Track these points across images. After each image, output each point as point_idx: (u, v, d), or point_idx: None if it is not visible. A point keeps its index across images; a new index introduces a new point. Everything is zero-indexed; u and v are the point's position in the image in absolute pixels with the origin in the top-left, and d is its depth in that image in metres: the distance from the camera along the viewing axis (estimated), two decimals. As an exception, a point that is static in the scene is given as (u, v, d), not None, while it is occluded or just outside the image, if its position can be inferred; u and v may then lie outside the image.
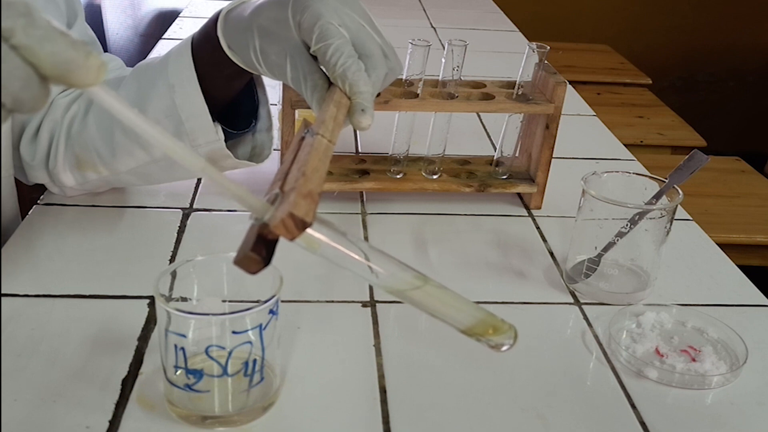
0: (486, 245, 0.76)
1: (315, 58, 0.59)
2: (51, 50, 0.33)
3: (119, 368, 0.55)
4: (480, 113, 1.11)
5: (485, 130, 1.07)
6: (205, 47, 0.65)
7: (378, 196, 0.84)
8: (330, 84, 0.58)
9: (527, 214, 0.83)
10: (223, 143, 0.69)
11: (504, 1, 1.98)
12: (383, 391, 0.55)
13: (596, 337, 0.63)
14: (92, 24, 0.87)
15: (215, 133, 0.68)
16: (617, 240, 0.66)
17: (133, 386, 0.54)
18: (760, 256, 1.54)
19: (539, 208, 0.83)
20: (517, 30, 1.71)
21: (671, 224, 0.66)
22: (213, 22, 0.65)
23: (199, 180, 0.84)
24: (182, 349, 0.48)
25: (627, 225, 0.65)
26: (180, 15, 1.65)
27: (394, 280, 0.44)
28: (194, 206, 0.80)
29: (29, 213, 0.76)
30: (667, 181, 0.67)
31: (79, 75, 0.34)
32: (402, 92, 0.77)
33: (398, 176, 0.82)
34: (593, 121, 1.15)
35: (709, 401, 0.57)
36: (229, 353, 0.48)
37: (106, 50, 1.09)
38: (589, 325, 0.64)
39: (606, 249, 0.67)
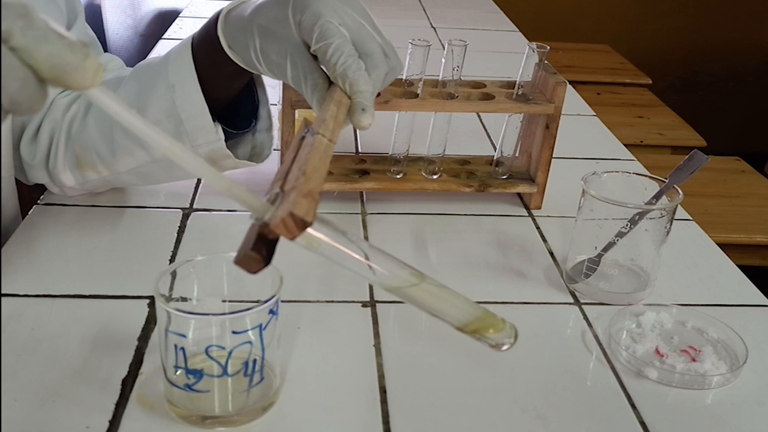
0: (486, 245, 0.76)
1: (315, 57, 0.59)
2: (48, 52, 0.33)
3: (119, 368, 0.55)
4: (480, 113, 1.11)
5: (485, 130, 1.07)
6: (206, 47, 0.65)
7: (378, 196, 0.84)
8: (330, 83, 0.59)
9: (527, 214, 0.83)
10: (223, 143, 0.69)
11: (504, 1, 1.98)
12: (383, 391, 0.55)
13: (596, 337, 0.63)
14: (92, 24, 0.87)
15: (215, 133, 0.68)
16: (617, 240, 0.66)
17: (133, 386, 0.54)
18: (760, 256, 1.54)
19: (539, 208, 0.83)
20: (517, 30, 1.71)
21: (671, 224, 0.66)
22: (213, 21, 0.65)
23: (199, 180, 0.84)
24: (182, 349, 0.48)
25: (627, 225, 0.65)
26: (180, 15, 1.65)
27: (391, 278, 0.44)
28: (194, 206, 0.80)
29: (29, 213, 0.76)
30: (667, 181, 0.67)
31: (76, 77, 0.34)
32: (402, 92, 0.77)
33: (398, 176, 0.82)
34: (593, 121, 1.15)
35: (709, 401, 0.57)
36: (229, 353, 0.48)
37: (106, 50, 1.09)
38: (589, 325, 0.64)
39: (606, 249, 0.67)
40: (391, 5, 1.81)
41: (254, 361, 0.50)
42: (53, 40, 0.33)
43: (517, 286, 0.69)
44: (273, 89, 0.81)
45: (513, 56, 1.27)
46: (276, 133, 0.75)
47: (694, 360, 0.59)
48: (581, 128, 1.11)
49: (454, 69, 0.77)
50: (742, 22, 3.01)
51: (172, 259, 0.70)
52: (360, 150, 0.96)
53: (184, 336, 0.48)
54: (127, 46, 1.84)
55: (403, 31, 1.53)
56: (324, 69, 0.59)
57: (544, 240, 0.78)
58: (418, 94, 0.77)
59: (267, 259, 0.39)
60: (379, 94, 0.67)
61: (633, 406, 0.55)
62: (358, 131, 1.00)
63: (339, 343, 0.60)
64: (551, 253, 0.75)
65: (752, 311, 0.68)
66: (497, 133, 0.85)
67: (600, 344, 0.62)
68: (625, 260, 0.68)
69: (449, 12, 1.80)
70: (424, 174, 0.82)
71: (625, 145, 1.05)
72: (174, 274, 0.52)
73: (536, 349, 0.60)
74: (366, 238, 0.76)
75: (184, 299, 0.53)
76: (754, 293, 0.71)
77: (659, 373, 0.58)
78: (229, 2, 0.65)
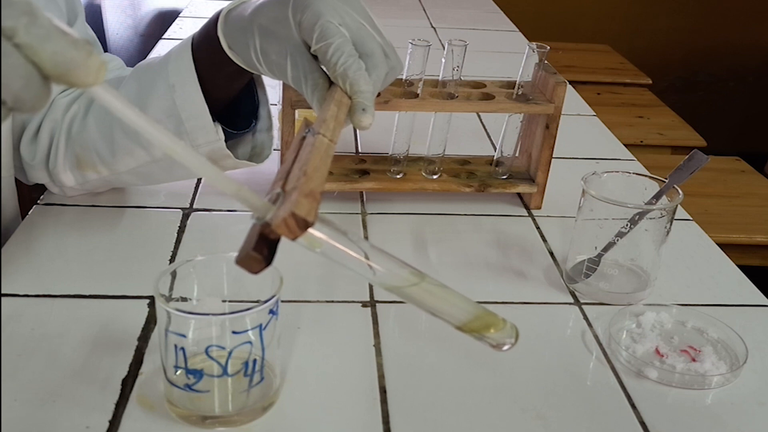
0: (486, 245, 0.76)
1: (315, 57, 0.59)
2: (52, 49, 0.33)
3: (119, 368, 0.55)
4: (480, 113, 1.11)
5: (485, 130, 1.07)
6: (206, 47, 0.65)
7: (378, 196, 0.84)
8: (330, 83, 0.59)
9: (527, 214, 0.83)
10: (224, 143, 0.69)
11: (504, 1, 1.98)
12: (383, 391, 0.55)
13: (596, 337, 0.63)
14: (92, 24, 0.87)
15: (215, 133, 0.68)
16: (617, 240, 0.66)
17: (133, 386, 0.54)
18: (760, 256, 1.54)
19: (539, 208, 0.83)
20: (517, 30, 1.71)
21: (671, 224, 0.66)
22: (213, 21, 0.65)
23: (199, 180, 0.84)
24: (182, 349, 0.48)
25: (627, 225, 0.65)
26: (180, 15, 1.65)
27: (391, 277, 0.44)
28: (194, 206, 0.80)
29: (29, 213, 0.76)
30: (667, 181, 0.67)
31: (79, 74, 0.34)
32: (402, 92, 0.77)
33: (398, 176, 0.82)
34: (593, 121, 1.15)
35: (709, 401, 0.57)
36: (229, 353, 0.48)
37: (106, 50, 1.09)
38: (589, 325, 0.64)
39: (606, 249, 0.67)
40: (391, 5, 1.81)
41: (254, 361, 0.50)
42: (57, 37, 0.33)
43: (517, 286, 0.69)
44: (273, 89, 0.81)
45: (513, 56, 1.27)
46: (276, 133, 0.75)
47: (694, 360, 0.59)
48: (581, 128, 1.11)
49: (454, 69, 0.77)
50: (742, 22, 3.02)
51: (172, 259, 0.70)
52: (360, 150, 0.96)
53: (184, 336, 0.48)
54: (127, 46, 1.84)
55: (403, 31, 1.53)
56: (324, 69, 0.59)
57: (544, 240, 0.78)
58: (418, 94, 0.77)
59: (268, 259, 0.39)
60: (379, 94, 0.67)
61: (633, 406, 0.55)
62: (358, 131, 1.00)
63: (339, 343, 0.60)
64: (551, 253, 0.75)
65: (752, 311, 0.68)
66: (497, 133, 0.85)
67: (600, 344, 0.62)
68: (625, 260, 0.68)
69: (449, 12, 1.80)
70: (424, 174, 0.82)
71: (625, 145, 1.05)
72: (174, 274, 0.52)
73: (536, 349, 0.60)
74: (366, 238, 0.76)
75: (184, 299, 0.53)
76: (754, 293, 0.71)
77: (659, 373, 0.58)
78: (229, 2, 0.65)
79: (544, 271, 0.72)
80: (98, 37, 0.84)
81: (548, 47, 0.78)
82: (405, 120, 0.79)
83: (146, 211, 0.78)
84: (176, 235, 0.74)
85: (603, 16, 2.97)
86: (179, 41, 0.68)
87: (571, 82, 1.04)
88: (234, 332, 0.48)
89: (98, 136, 0.71)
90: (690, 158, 0.68)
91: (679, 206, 0.70)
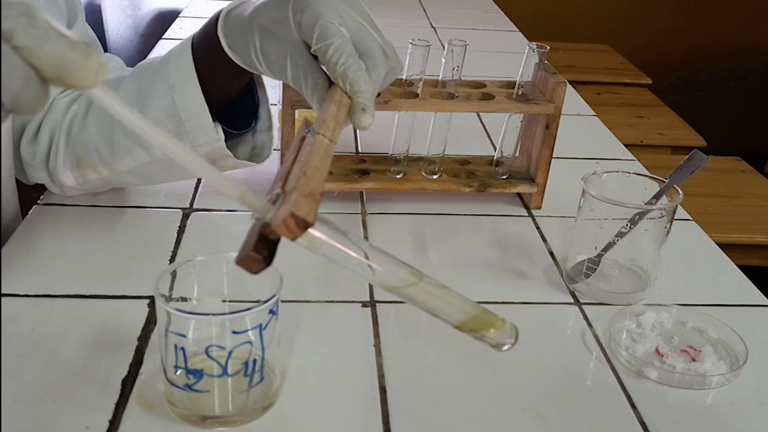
0: (486, 245, 0.76)
1: (315, 57, 0.59)
2: (51, 51, 0.33)
3: (119, 368, 0.55)
4: (480, 113, 1.11)
5: (485, 130, 1.07)
6: (206, 47, 0.65)
7: (378, 196, 0.84)
8: (330, 83, 0.59)
9: (527, 214, 0.83)
10: (224, 143, 0.69)
11: (504, 1, 1.98)
12: (383, 391, 0.55)
13: (596, 337, 0.63)
14: (92, 24, 0.87)
15: (215, 133, 0.68)
16: (617, 240, 0.66)
17: (133, 386, 0.54)
18: (760, 256, 1.54)
19: (539, 208, 0.83)
20: (517, 30, 1.71)
21: (671, 224, 0.66)
22: (213, 21, 0.65)
23: (199, 180, 0.84)
24: (182, 349, 0.48)
25: (627, 225, 0.65)
26: (180, 15, 1.65)
27: (390, 277, 0.44)
28: (194, 206, 0.80)
29: (29, 213, 0.76)
30: (667, 181, 0.67)
31: (77, 76, 0.34)
32: (402, 92, 0.77)
33: (398, 176, 0.82)
34: (593, 121, 1.15)
35: (709, 401, 0.57)
36: (229, 353, 0.48)
37: (106, 50, 1.09)
38: (589, 325, 0.64)
39: (606, 249, 0.67)
40: (391, 5, 1.81)
41: (254, 361, 0.50)
42: (55, 39, 0.33)
43: (517, 286, 0.69)
44: (273, 89, 0.81)
45: (513, 56, 1.27)
46: (276, 133, 0.75)
47: (694, 360, 0.59)
48: (581, 128, 1.11)
49: (454, 69, 0.77)
50: (742, 22, 3.02)
51: (172, 259, 0.70)
52: (360, 150, 0.96)
53: (184, 336, 0.48)
54: (127, 46, 1.84)
55: (403, 31, 1.53)
56: (324, 69, 0.59)
57: (544, 240, 0.78)
58: (418, 94, 0.77)
59: (268, 260, 0.39)
60: (379, 94, 0.67)
61: (633, 406, 0.55)
62: (358, 131, 1.00)
63: (339, 343, 0.60)
64: (551, 253, 0.75)
65: (752, 311, 0.68)
66: (497, 133, 0.85)
67: (600, 344, 0.62)
68: (625, 260, 0.68)
69: (449, 12, 1.80)
70: (424, 174, 0.82)
71: (625, 145, 1.05)
72: (174, 274, 0.52)
73: (536, 349, 0.61)
74: (366, 238, 0.76)
75: (184, 299, 0.53)
76: (754, 293, 0.71)
77: (659, 373, 0.58)
78: (229, 2, 0.65)
79: (544, 271, 0.72)
80: (98, 37, 0.84)
81: (548, 47, 0.78)
82: (405, 120, 0.79)
83: (146, 211, 0.78)
84: (176, 235, 0.74)
85: (603, 16, 2.97)
86: (179, 41, 0.68)
87: (571, 82, 1.04)
88: (234, 332, 0.48)
89: (98, 136, 0.71)
90: (690, 158, 0.68)
91: (679, 206, 0.70)
